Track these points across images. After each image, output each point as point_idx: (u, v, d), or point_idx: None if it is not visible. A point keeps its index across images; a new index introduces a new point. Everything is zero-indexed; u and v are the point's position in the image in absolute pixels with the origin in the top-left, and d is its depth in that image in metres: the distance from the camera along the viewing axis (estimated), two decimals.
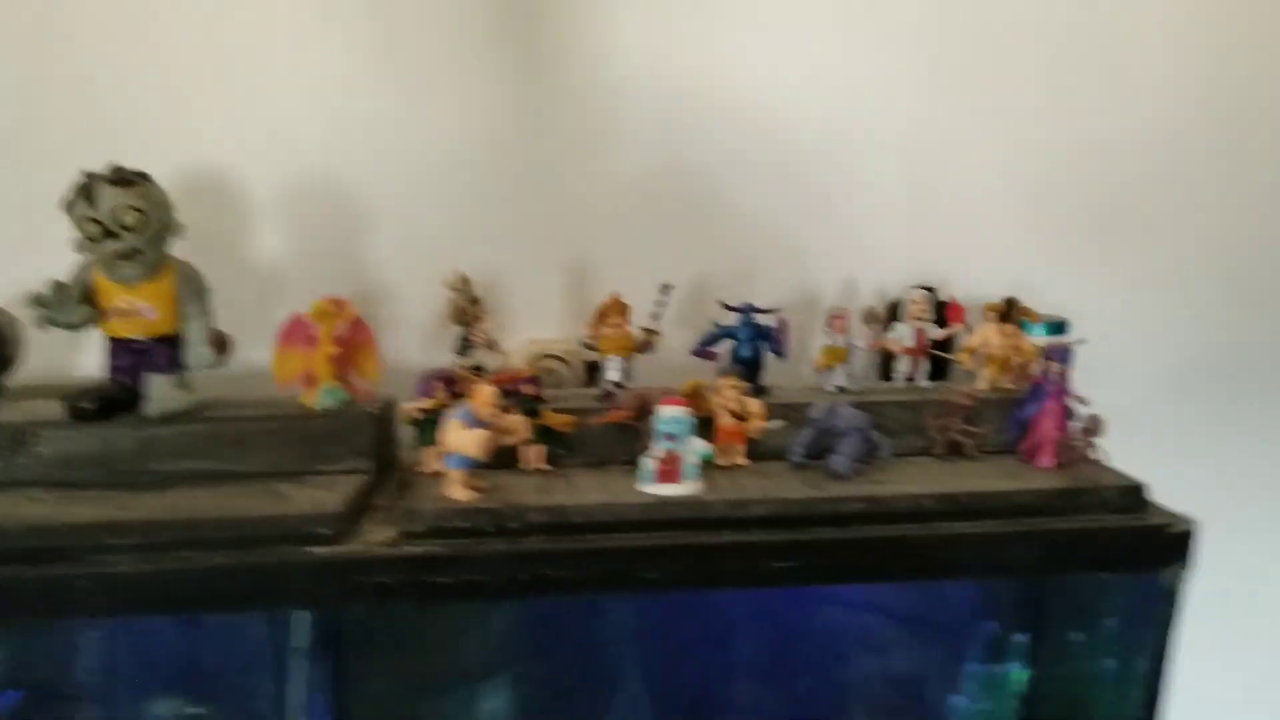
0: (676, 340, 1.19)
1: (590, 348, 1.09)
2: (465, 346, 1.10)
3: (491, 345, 1.10)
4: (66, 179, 0.99)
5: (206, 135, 1.21)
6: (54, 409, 1.02)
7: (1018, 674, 1.14)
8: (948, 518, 0.97)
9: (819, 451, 1.04)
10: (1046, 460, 1.02)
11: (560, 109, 1.27)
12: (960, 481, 1.01)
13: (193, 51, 1.20)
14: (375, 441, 1.06)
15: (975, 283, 1.32)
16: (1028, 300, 1.25)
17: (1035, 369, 1.02)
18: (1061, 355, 1.00)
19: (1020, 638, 1.14)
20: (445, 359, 1.13)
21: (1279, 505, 1.54)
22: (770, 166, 1.32)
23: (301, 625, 1.07)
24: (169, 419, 1.03)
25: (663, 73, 1.28)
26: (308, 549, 0.90)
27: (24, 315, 1.04)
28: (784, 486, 0.99)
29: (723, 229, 1.32)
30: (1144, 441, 1.43)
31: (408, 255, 1.26)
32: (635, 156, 1.29)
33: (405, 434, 1.08)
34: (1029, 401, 1.03)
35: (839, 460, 1.00)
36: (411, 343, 1.27)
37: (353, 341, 1.08)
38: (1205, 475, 1.47)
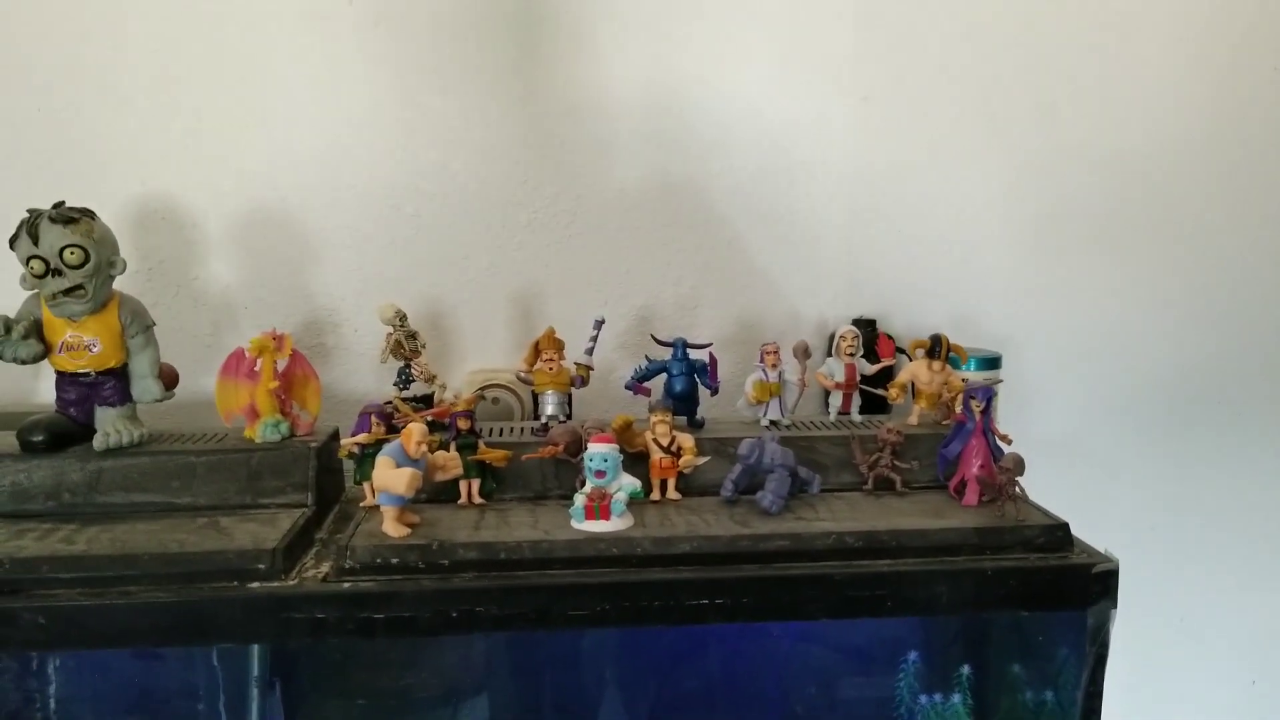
0: (621, 372, 1.21)
1: (525, 382, 1.11)
2: (405, 380, 1.13)
3: (429, 379, 1.12)
4: (16, 215, 1.01)
5: (156, 166, 1.24)
6: (7, 441, 1.05)
7: (961, 705, 1.16)
8: (870, 555, 0.99)
9: (750, 487, 1.06)
10: (971, 498, 1.03)
11: (509, 142, 1.29)
12: (885, 519, 1.03)
13: (143, 85, 1.22)
14: (317, 474, 1.08)
15: (917, 314, 1.34)
16: (970, 332, 1.26)
17: (959, 406, 1.04)
18: (983, 393, 1.01)
19: (964, 669, 1.16)
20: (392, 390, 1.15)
21: (1219, 526, 1.55)
22: (715, 197, 1.33)
23: (256, 654, 1.10)
24: (117, 452, 1.06)
25: (616, 99, 1.29)
26: (245, 585, 0.93)
27: None
28: (711, 523, 1.01)
29: (668, 259, 1.34)
30: (1083, 466, 1.45)
31: (356, 284, 1.28)
32: (584, 188, 1.31)
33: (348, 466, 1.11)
34: (954, 439, 1.05)
35: (766, 497, 1.02)
36: (362, 370, 1.29)
37: (294, 375, 1.11)
38: (1146, 500, 1.49)
